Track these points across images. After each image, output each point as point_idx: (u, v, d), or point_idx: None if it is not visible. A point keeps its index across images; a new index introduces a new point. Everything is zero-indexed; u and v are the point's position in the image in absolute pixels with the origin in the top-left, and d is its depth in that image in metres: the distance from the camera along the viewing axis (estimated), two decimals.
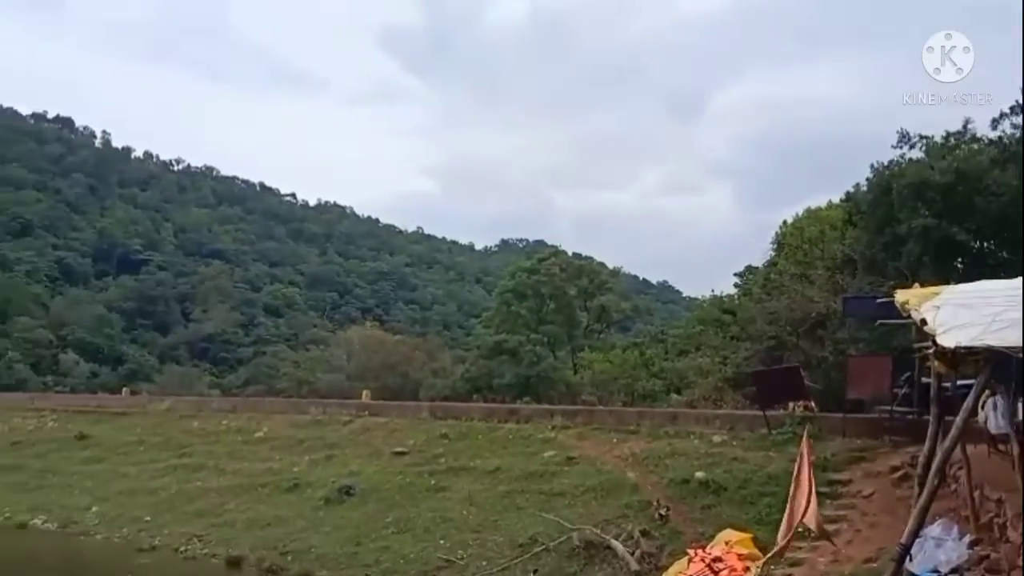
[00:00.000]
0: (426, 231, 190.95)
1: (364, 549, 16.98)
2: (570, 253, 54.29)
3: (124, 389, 41.57)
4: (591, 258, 55.84)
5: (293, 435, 24.85)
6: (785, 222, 33.14)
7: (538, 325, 45.88)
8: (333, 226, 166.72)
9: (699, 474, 16.40)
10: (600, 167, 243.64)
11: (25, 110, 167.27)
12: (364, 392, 29.45)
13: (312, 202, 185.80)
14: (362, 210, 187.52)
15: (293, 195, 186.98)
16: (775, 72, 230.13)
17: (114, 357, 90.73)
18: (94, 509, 22.43)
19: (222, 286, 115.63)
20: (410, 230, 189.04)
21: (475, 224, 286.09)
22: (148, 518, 20.97)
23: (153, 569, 17.89)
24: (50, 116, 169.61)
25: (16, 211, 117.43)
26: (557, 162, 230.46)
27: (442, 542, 16.56)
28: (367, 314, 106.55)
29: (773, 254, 31.99)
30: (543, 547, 15.42)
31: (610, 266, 58.31)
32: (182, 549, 18.88)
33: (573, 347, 47.75)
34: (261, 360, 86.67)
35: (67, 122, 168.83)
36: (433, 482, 19.27)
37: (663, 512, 15.53)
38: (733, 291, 36.21)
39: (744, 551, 12.24)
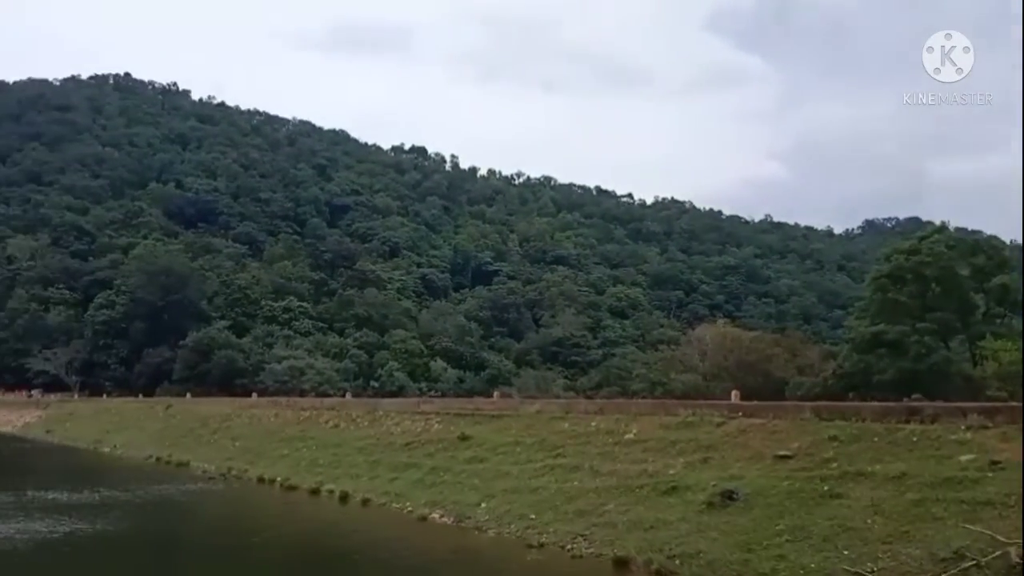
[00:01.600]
0: (775, 219, 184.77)
1: (756, 557, 15.91)
2: (953, 229, 48.51)
3: (495, 392, 44.07)
4: (979, 232, 49.64)
5: (664, 437, 24.36)
6: None
7: (923, 313, 41.39)
8: (673, 223, 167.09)
9: None
10: (985, 126, 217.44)
11: (386, 145, 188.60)
12: (733, 392, 28.42)
13: (649, 200, 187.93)
14: (703, 203, 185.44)
15: (630, 195, 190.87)
16: None
17: (476, 363, 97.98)
18: (483, 506, 23.60)
19: (567, 291, 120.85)
20: (757, 219, 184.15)
21: (833, 207, 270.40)
22: (533, 516, 21.57)
23: (544, 565, 18.35)
24: (406, 148, 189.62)
25: (385, 236, 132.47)
26: (928, 127, 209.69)
27: (845, 553, 15.03)
28: (716, 311, 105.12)
29: None
30: (972, 562, 13.39)
31: (1007, 241, 51.63)
32: (568, 547, 19.06)
33: (969, 336, 42.65)
34: (611, 362, 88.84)
35: (421, 151, 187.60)
36: (826, 488, 17.67)
37: None
38: None
39: None
